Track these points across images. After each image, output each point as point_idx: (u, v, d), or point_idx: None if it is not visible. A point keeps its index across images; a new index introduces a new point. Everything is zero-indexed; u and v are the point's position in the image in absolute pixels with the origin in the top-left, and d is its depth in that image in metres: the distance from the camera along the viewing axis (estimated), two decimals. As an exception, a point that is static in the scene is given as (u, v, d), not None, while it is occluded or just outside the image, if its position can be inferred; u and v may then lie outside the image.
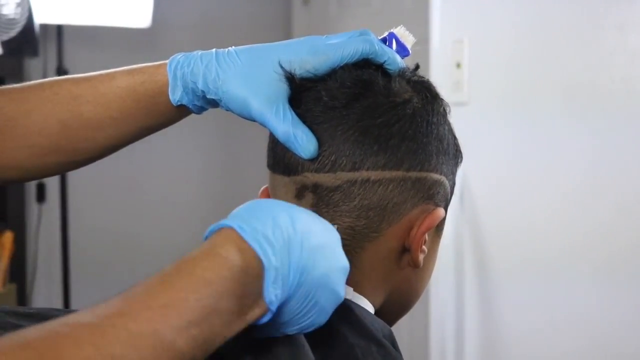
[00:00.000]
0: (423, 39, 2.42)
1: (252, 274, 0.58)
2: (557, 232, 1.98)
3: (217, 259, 0.57)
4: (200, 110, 0.80)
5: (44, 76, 2.89)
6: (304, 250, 0.60)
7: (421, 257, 0.75)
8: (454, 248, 2.20)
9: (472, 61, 2.17)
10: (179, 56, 0.79)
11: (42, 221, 2.99)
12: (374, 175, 0.72)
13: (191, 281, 0.55)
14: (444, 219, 0.79)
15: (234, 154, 3.45)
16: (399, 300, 0.79)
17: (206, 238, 0.60)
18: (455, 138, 0.79)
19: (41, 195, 3.03)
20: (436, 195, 0.76)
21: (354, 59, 0.75)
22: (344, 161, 0.72)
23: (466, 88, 2.18)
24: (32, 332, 0.50)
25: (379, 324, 0.72)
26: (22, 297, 2.82)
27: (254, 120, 0.75)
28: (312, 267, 0.61)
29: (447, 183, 0.77)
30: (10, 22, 2.28)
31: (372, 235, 0.73)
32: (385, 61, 0.76)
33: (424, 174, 0.74)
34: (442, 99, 0.78)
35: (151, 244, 3.26)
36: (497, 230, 2.12)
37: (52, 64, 2.87)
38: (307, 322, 0.63)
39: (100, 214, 3.16)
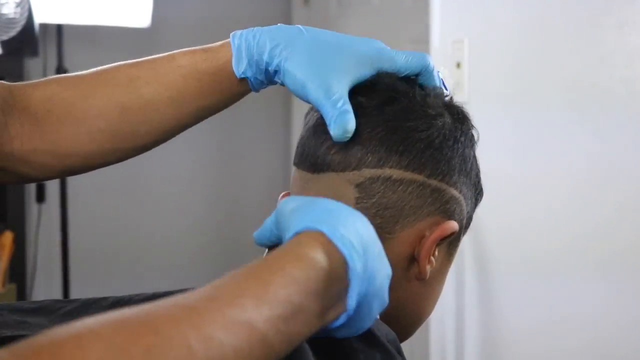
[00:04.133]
0: (423, 39, 2.42)
1: (336, 278, 0.58)
2: (557, 231, 1.98)
3: (305, 260, 0.57)
4: (260, 85, 0.80)
5: (44, 76, 2.89)
6: (374, 260, 0.61)
7: (428, 268, 0.75)
8: (454, 248, 2.20)
9: (472, 61, 2.17)
10: (241, 32, 0.80)
11: (42, 221, 2.99)
12: (395, 173, 0.73)
13: (281, 277, 0.55)
14: (458, 239, 0.79)
15: (235, 153, 3.45)
16: (402, 318, 0.79)
17: (289, 239, 0.60)
18: (479, 171, 0.80)
19: (41, 195, 3.03)
20: (452, 212, 0.76)
21: (414, 72, 0.78)
22: (369, 158, 0.73)
23: (466, 88, 2.18)
24: (126, 311, 0.50)
25: (384, 329, 0.71)
26: (22, 297, 2.82)
27: (308, 101, 0.76)
28: (375, 276, 0.61)
29: (464, 204, 0.77)
30: (10, 22, 2.28)
31: (385, 237, 0.73)
32: (434, 86, 0.79)
33: (443, 186, 0.75)
34: (473, 124, 0.80)
35: (151, 245, 3.26)
36: (497, 229, 2.12)
37: (52, 64, 2.87)
38: (357, 327, 0.63)
39: (100, 214, 3.16)
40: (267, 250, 0.71)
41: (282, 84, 0.79)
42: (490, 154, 2.09)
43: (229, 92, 0.81)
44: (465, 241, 2.22)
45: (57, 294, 2.88)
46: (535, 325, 2.03)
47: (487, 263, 2.16)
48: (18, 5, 2.28)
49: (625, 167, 1.82)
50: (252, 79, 0.80)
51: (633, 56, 1.79)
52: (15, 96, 0.81)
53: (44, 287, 3.00)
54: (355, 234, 0.60)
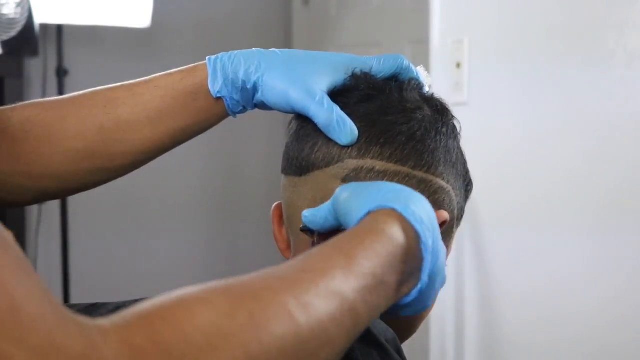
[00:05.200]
0: (423, 39, 2.42)
1: (411, 253, 0.60)
2: (557, 228, 1.98)
3: (383, 235, 0.59)
4: (236, 107, 0.81)
5: (44, 76, 2.89)
6: (438, 237, 0.63)
7: None
8: (454, 248, 2.20)
9: (472, 61, 2.17)
10: (217, 55, 0.81)
11: (42, 221, 2.99)
12: (378, 165, 0.73)
13: (363, 251, 0.57)
14: (451, 230, 0.78)
15: (235, 153, 3.45)
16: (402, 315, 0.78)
17: (360, 219, 0.62)
18: (465, 162, 0.80)
19: (41, 195, 3.02)
20: (442, 202, 0.75)
21: (390, 72, 0.78)
22: (350, 149, 0.74)
23: (466, 88, 2.18)
24: (226, 281, 0.52)
25: (381, 327, 0.70)
26: (22, 297, 2.82)
27: (291, 110, 0.77)
28: (439, 252, 0.63)
29: (453, 195, 0.77)
30: (10, 22, 2.28)
31: None
32: (410, 78, 0.79)
33: (429, 177, 0.74)
34: (453, 115, 0.79)
35: (151, 245, 3.26)
36: (497, 230, 2.12)
37: (52, 64, 2.87)
38: (421, 304, 0.64)
39: (100, 214, 3.16)
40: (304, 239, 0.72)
41: (260, 107, 0.80)
42: (490, 153, 2.09)
43: (206, 112, 0.81)
44: (465, 240, 2.22)
45: (57, 295, 2.88)
46: (536, 321, 2.03)
47: (487, 263, 2.16)
48: (18, 5, 2.28)
49: (625, 167, 1.82)
50: (228, 99, 0.80)
51: (633, 56, 1.79)
52: None
53: (44, 287, 3.00)
54: (424, 211, 0.62)
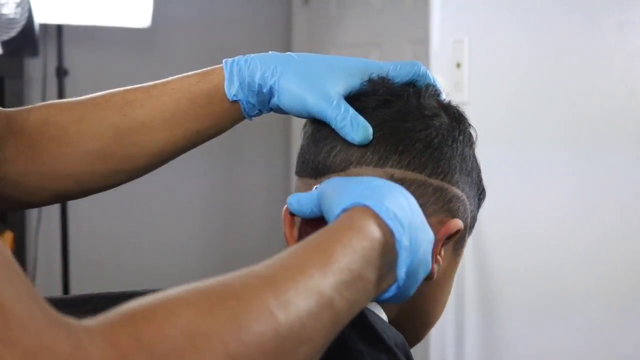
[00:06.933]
0: (423, 39, 2.42)
1: (388, 249, 0.61)
2: (560, 232, 1.98)
3: (360, 231, 0.60)
4: (252, 110, 0.81)
5: (44, 76, 2.89)
6: (416, 230, 0.63)
7: (436, 267, 0.74)
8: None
9: (472, 61, 2.18)
10: (233, 58, 0.81)
11: (42, 221, 2.99)
12: (397, 173, 0.73)
13: (341, 247, 0.58)
14: (463, 238, 0.79)
15: (235, 163, 3.45)
16: (411, 321, 0.79)
17: (337, 216, 0.63)
18: (480, 171, 0.80)
19: (41, 195, 3.02)
20: (456, 211, 0.76)
21: (406, 79, 0.78)
22: (369, 156, 0.74)
23: (466, 88, 2.18)
24: (206, 281, 0.53)
25: (391, 332, 0.70)
26: (22, 297, 2.82)
27: (307, 115, 0.77)
28: (418, 246, 0.64)
29: (467, 203, 0.77)
30: (10, 22, 2.28)
31: None
32: (428, 84, 0.79)
33: (445, 185, 0.75)
34: (469, 123, 0.80)
35: (151, 244, 3.26)
36: (497, 231, 2.12)
37: (52, 64, 2.87)
38: (403, 294, 0.65)
39: (100, 214, 3.16)
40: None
41: (275, 110, 0.81)
42: (490, 153, 2.09)
43: (221, 115, 0.82)
44: (466, 243, 2.21)
45: (57, 294, 2.88)
46: (536, 327, 2.03)
47: (487, 264, 2.16)
48: (18, 5, 2.28)
49: (625, 166, 1.83)
50: (244, 102, 0.80)
51: (633, 56, 1.79)
52: (11, 120, 0.82)
53: (44, 287, 3.00)
54: (399, 206, 0.63)
